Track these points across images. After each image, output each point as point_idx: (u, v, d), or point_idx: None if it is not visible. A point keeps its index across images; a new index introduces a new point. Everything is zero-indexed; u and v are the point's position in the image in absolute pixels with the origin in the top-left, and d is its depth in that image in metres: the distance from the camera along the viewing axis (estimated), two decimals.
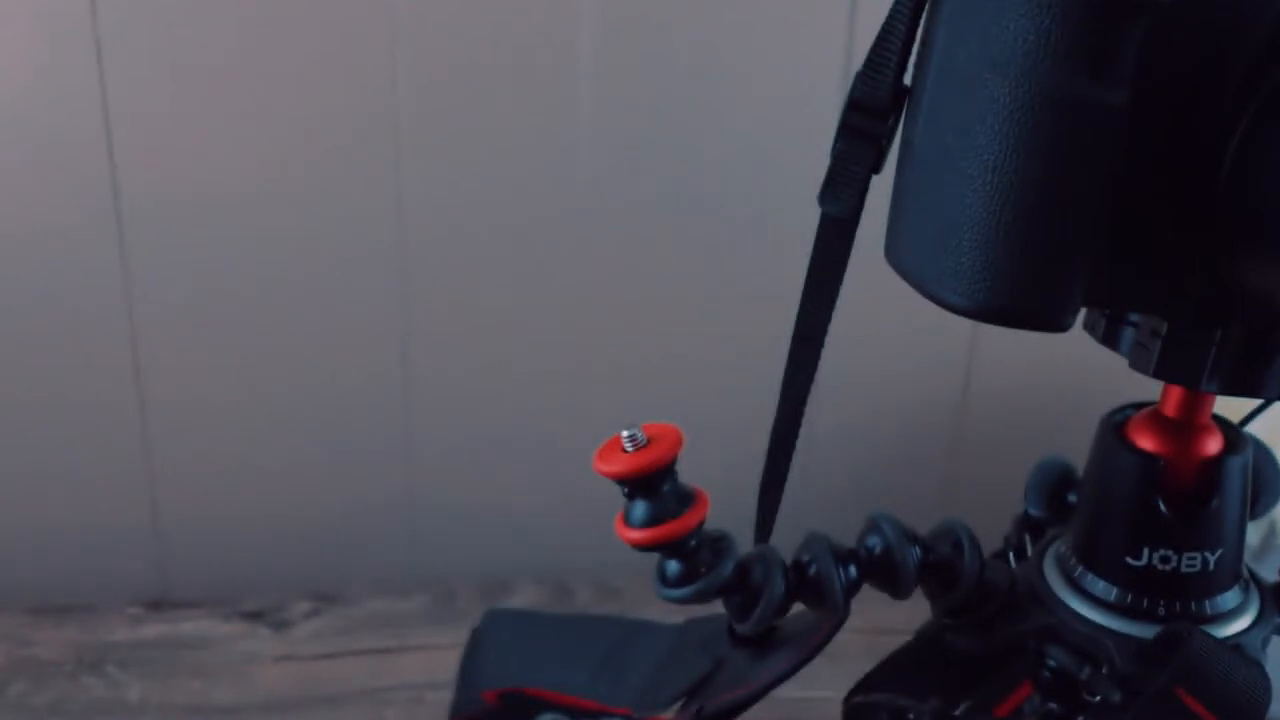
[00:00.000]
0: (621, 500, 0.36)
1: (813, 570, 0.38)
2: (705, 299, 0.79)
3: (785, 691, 0.40)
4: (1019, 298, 0.31)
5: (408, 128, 0.72)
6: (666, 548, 0.35)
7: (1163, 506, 0.37)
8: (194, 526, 0.80)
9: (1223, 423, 0.38)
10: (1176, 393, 0.37)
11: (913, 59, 0.33)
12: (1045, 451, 0.44)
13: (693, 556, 0.36)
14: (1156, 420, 0.38)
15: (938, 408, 0.84)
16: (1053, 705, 0.39)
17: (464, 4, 0.70)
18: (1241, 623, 0.38)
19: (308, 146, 0.72)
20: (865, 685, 0.46)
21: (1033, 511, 0.44)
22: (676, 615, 0.47)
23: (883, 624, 0.48)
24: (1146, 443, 0.37)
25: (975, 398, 0.83)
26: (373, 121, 0.71)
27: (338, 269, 0.74)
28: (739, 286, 0.78)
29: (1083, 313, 0.36)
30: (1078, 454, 0.41)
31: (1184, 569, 0.37)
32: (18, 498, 0.77)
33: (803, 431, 0.39)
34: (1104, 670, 0.37)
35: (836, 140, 0.35)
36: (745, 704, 0.40)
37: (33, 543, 0.79)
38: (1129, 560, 0.37)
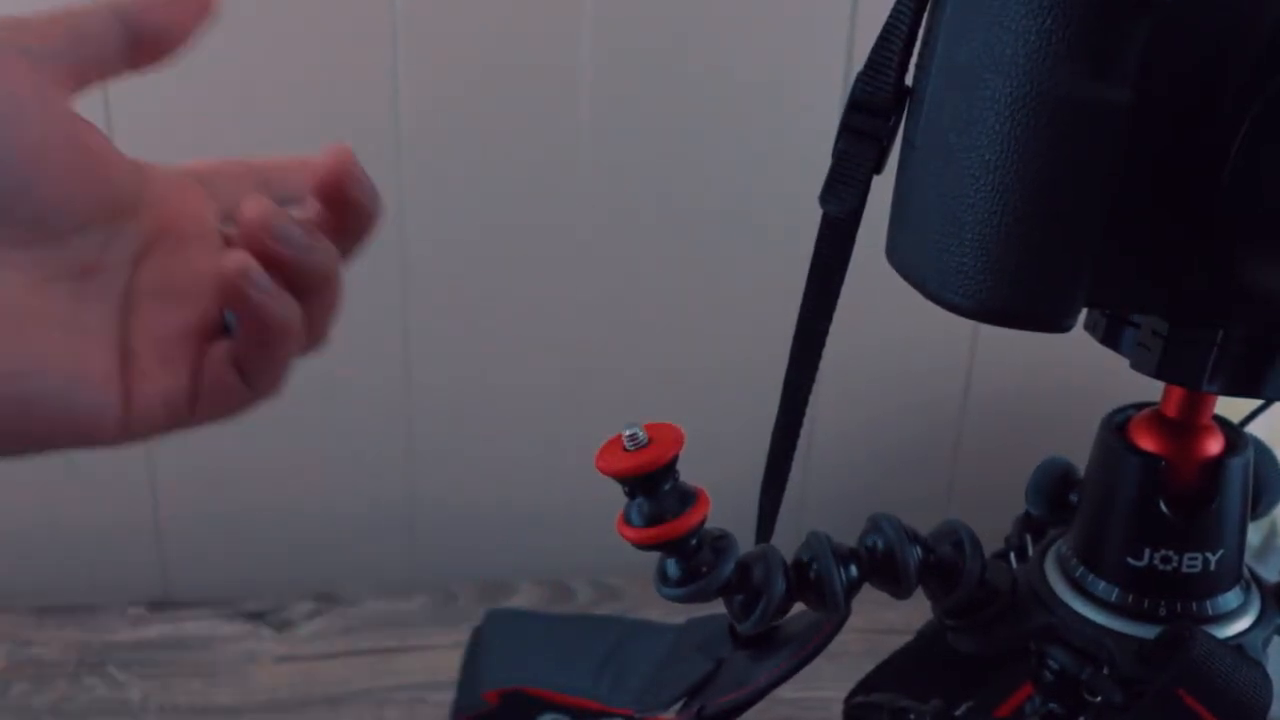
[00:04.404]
0: (622, 499, 0.36)
1: (813, 569, 0.38)
2: (706, 299, 0.79)
3: (785, 691, 0.40)
4: (1020, 298, 0.31)
5: (408, 128, 0.72)
6: (667, 547, 0.35)
7: (1164, 507, 0.37)
8: (195, 526, 0.80)
9: (1224, 423, 0.38)
10: (1177, 393, 0.37)
11: (914, 59, 0.33)
12: (1046, 452, 0.44)
13: (693, 555, 0.36)
14: (1157, 421, 0.38)
15: (939, 408, 0.84)
16: (1054, 706, 0.39)
17: (464, 5, 0.70)
18: (1243, 623, 0.38)
19: (308, 146, 0.71)
20: (866, 685, 0.46)
21: (1034, 512, 0.44)
22: (677, 615, 0.47)
23: (883, 624, 0.48)
24: (1148, 443, 0.37)
25: (976, 398, 0.83)
26: (373, 121, 0.71)
27: None
28: (740, 286, 0.78)
29: (1083, 313, 0.36)
30: (1078, 454, 0.41)
31: (1185, 569, 0.37)
32: (20, 498, 0.77)
33: (803, 432, 0.39)
34: (1105, 671, 0.37)
35: (838, 140, 0.35)
36: (745, 704, 0.40)
37: (34, 543, 0.79)
38: (1130, 560, 0.37)
